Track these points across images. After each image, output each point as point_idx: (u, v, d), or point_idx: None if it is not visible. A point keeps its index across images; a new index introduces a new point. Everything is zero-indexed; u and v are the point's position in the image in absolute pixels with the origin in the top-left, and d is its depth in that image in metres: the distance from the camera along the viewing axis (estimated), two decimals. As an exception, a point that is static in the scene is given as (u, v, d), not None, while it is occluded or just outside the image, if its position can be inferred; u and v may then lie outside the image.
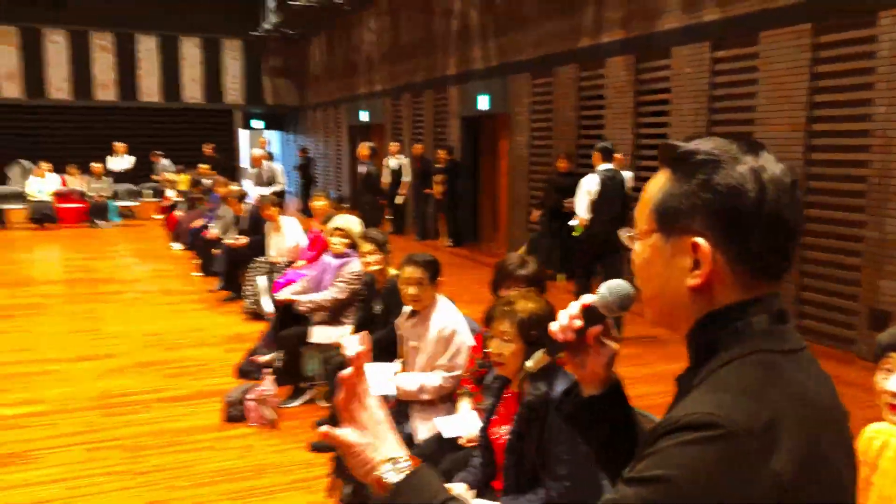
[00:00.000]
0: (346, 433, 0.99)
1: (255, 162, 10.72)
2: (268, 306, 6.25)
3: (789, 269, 0.94)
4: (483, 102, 11.38)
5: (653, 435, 0.85)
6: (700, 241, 0.90)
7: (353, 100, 16.99)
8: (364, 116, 16.25)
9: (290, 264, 6.61)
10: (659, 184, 0.95)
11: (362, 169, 11.18)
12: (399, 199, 12.48)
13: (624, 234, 1.01)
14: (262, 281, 6.65)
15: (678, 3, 7.49)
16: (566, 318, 1.08)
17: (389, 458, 0.98)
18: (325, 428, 1.01)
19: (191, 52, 20.11)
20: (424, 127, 13.43)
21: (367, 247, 4.14)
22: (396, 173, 12.42)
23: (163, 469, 3.80)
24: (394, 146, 12.89)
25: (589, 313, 1.08)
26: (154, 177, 15.56)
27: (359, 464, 0.99)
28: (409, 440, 3.08)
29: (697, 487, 0.78)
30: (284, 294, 5.05)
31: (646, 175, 8.01)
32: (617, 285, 1.07)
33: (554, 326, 1.09)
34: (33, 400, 4.73)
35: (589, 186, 6.28)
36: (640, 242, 0.98)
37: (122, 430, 4.28)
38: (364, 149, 10.86)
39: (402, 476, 0.96)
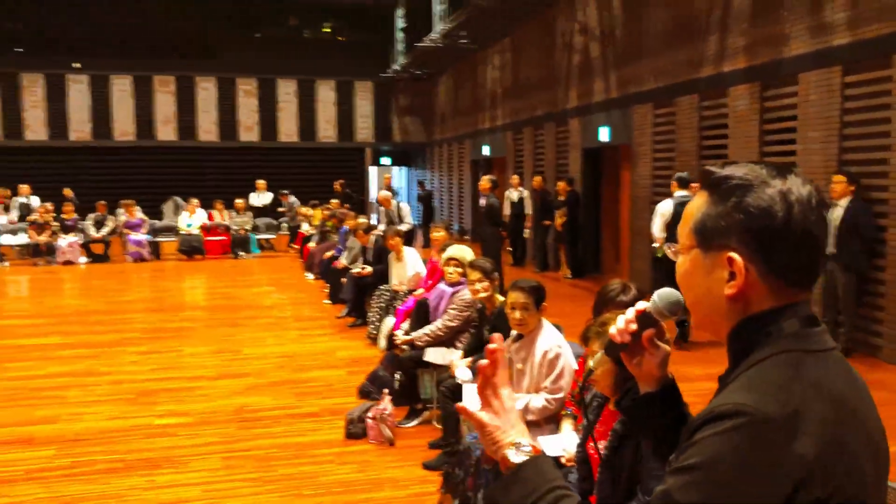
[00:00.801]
0: (480, 414, 1.15)
1: (385, 203, 11.24)
2: (383, 344, 6.56)
3: (816, 280, 1.04)
4: (604, 134, 11.40)
5: (690, 427, 0.97)
6: (735, 255, 1.02)
7: (476, 135, 17.43)
8: (486, 150, 16.62)
9: (410, 292, 6.91)
10: (698, 205, 1.08)
11: (483, 201, 11.45)
12: (526, 233, 12.67)
13: (669, 249, 1.14)
14: (388, 321, 6.88)
15: (805, 28, 7.29)
16: (623, 323, 1.22)
17: (515, 443, 1.12)
18: (462, 404, 1.18)
19: (326, 94, 21.37)
20: (545, 159, 13.58)
21: (474, 275, 4.32)
22: (517, 205, 12.62)
23: (290, 479, 4.11)
24: (515, 179, 13.11)
25: (643, 318, 1.21)
26: (281, 209, 16.55)
27: (489, 442, 1.14)
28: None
29: (731, 470, 0.90)
30: (402, 337, 5.31)
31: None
32: (666, 293, 1.19)
33: (612, 330, 1.23)
34: (179, 412, 5.23)
35: (663, 210, 7.24)
36: (682, 256, 1.10)
37: (255, 442, 4.65)
38: (485, 182, 11.15)
39: (523, 458, 1.11)
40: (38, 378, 6.12)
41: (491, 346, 1.15)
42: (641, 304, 1.22)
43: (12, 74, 19.29)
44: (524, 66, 14.62)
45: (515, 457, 1.10)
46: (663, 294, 1.20)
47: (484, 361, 1.15)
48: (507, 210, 12.40)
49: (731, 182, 1.04)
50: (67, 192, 15.40)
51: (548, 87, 13.42)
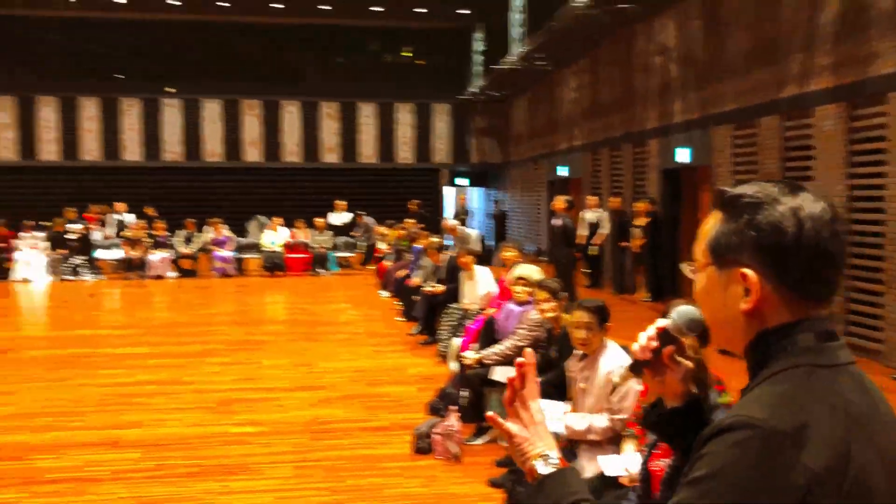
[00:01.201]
0: (508, 425, 1.20)
1: (451, 231, 11.31)
2: (453, 366, 6.61)
3: (833, 294, 1.05)
4: (683, 155, 11.21)
5: (700, 440, 0.99)
6: (748, 271, 1.04)
7: (553, 155, 17.40)
8: (563, 171, 16.57)
9: (481, 311, 6.96)
10: (712, 224, 1.11)
11: (557, 222, 11.41)
12: (593, 250, 12.53)
13: (686, 268, 1.17)
14: (455, 342, 6.94)
15: (894, 47, 7.02)
16: (644, 339, 1.25)
17: (543, 454, 1.16)
18: (491, 413, 1.24)
19: (404, 116, 21.79)
20: (623, 180, 13.44)
21: (541, 294, 4.35)
22: (593, 227, 12.53)
23: (357, 489, 4.21)
24: (591, 199, 13.03)
25: (663, 335, 1.24)
26: (354, 233, 16.92)
27: (517, 452, 1.19)
28: (575, 478, 3.20)
29: (739, 480, 0.92)
30: (470, 357, 5.36)
31: (861, 228, 7.47)
32: (685, 310, 1.22)
33: (634, 346, 1.26)
34: (255, 421, 5.42)
35: None
36: (699, 274, 1.13)
37: (325, 453, 4.78)
38: (559, 202, 11.13)
39: (550, 470, 1.15)
40: (127, 385, 6.45)
41: (519, 359, 1.19)
42: (661, 322, 1.25)
43: (113, 99, 20.50)
44: (602, 87, 14.56)
45: (542, 468, 1.14)
46: (682, 311, 1.23)
47: (512, 375, 1.20)
48: (582, 231, 12.33)
49: (743, 200, 1.06)
50: (149, 210, 16.43)
51: (626, 107, 13.31)
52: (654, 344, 1.25)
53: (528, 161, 19.58)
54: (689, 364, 1.26)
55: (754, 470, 0.91)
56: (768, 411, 0.95)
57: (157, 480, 4.33)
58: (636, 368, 1.28)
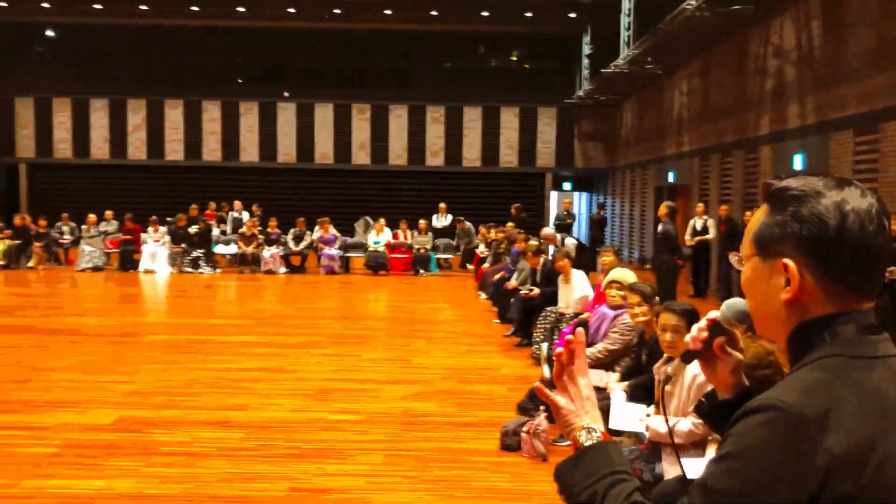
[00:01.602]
0: (556, 397, 1.25)
1: (551, 240, 11.26)
2: (546, 372, 6.61)
3: (877, 288, 1.06)
4: (798, 162, 10.74)
5: (731, 421, 1.03)
6: (789, 262, 1.07)
7: (661, 161, 17.01)
8: (671, 177, 16.18)
9: (576, 315, 6.95)
10: (758, 216, 1.14)
11: (661, 228, 11.18)
12: (687, 251, 12.16)
13: (733, 258, 1.20)
14: (544, 347, 6.94)
15: None
16: (695, 331, 1.29)
17: (587, 427, 1.21)
18: (538, 384, 1.31)
19: (509, 120, 21.87)
20: (733, 188, 12.99)
21: (633, 298, 4.32)
22: (701, 235, 12.18)
23: (444, 480, 4.33)
24: (699, 207, 12.67)
25: (714, 327, 1.28)
26: (453, 240, 17.12)
27: (563, 423, 1.24)
28: (659, 479, 3.19)
29: (761, 459, 0.95)
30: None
31: None
32: (733, 302, 1.25)
33: (687, 338, 1.30)
34: (351, 410, 5.65)
35: None
36: (745, 265, 1.16)
37: (415, 444, 4.93)
38: (663, 208, 10.89)
39: (592, 442, 1.20)
40: (236, 371, 6.86)
41: (568, 336, 1.24)
42: (712, 314, 1.29)
43: (234, 103, 21.67)
44: (713, 91, 14.12)
45: (585, 440, 1.19)
46: (730, 304, 1.26)
47: (559, 351, 1.26)
48: (689, 239, 12.01)
49: (788, 193, 1.09)
50: (256, 209, 17.48)
51: (738, 112, 12.87)
52: (705, 335, 1.29)
53: (635, 166, 19.22)
54: (740, 356, 1.29)
55: (777, 451, 0.95)
56: (796, 395, 0.97)
57: (258, 459, 4.60)
58: (688, 358, 1.32)
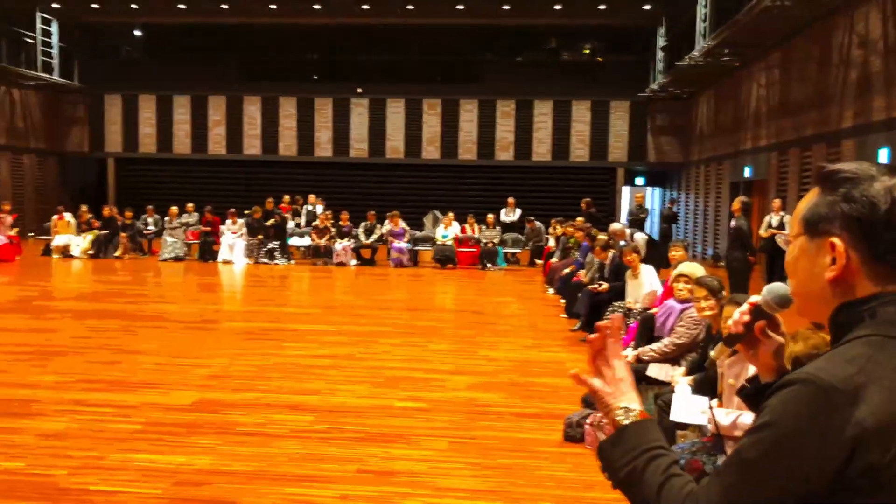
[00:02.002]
0: (593, 381, 1.31)
1: (619, 235, 11.13)
2: None
3: None
4: (884, 156, 10.31)
5: (767, 394, 1.07)
6: (836, 240, 1.10)
7: (737, 155, 16.57)
8: (747, 172, 15.74)
9: (644, 310, 6.89)
10: (808, 198, 1.18)
11: (733, 224, 10.92)
12: (760, 243, 11.81)
13: (779, 238, 1.24)
14: None
15: None
16: (737, 315, 1.33)
17: (625, 407, 1.26)
18: (575, 371, 1.37)
19: (581, 114, 21.66)
20: (812, 183, 12.56)
21: (700, 292, 4.29)
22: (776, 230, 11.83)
23: (507, 468, 4.41)
24: (776, 202, 12.31)
25: (755, 311, 1.31)
26: (523, 234, 17.10)
27: (602, 405, 1.30)
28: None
29: (791, 430, 0.99)
30: (629, 354, 5.37)
31: None
32: (775, 287, 1.29)
33: (729, 322, 1.34)
34: (417, 398, 5.79)
35: None
36: (791, 245, 1.20)
37: (479, 432, 5.02)
38: (736, 203, 10.63)
39: (629, 421, 1.26)
40: (308, 357, 7.10)
41: (601, 322, 1.29)
42: (754, 298, 1.32)
43: (309, 99, 22.19)
44: (793, 83, 13.66)
45: (623, 419, 1.23)
46: (772, 288, 1.30)
47: (593, 336, 1.31)
48: (764, 235, 11.68)
49: (840, 175, 1.12)
50: (312, 198, 17.94)
51: (819, 105, 12.42)
52: (747, 318, 1.32)
53: (710, 161, 18.76)
54: (781, 339, 1.33)
55: (807, 422, 0.98)
56: (830, 370, 1.01)
57: (327, 442, 4.78)
58: (730, 342, 1.36)
